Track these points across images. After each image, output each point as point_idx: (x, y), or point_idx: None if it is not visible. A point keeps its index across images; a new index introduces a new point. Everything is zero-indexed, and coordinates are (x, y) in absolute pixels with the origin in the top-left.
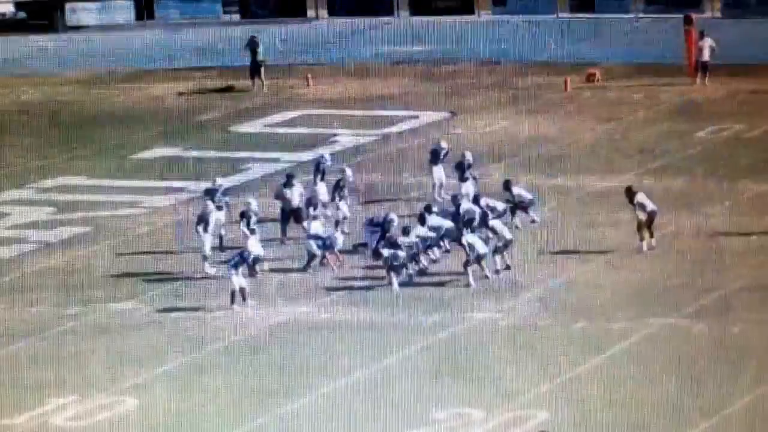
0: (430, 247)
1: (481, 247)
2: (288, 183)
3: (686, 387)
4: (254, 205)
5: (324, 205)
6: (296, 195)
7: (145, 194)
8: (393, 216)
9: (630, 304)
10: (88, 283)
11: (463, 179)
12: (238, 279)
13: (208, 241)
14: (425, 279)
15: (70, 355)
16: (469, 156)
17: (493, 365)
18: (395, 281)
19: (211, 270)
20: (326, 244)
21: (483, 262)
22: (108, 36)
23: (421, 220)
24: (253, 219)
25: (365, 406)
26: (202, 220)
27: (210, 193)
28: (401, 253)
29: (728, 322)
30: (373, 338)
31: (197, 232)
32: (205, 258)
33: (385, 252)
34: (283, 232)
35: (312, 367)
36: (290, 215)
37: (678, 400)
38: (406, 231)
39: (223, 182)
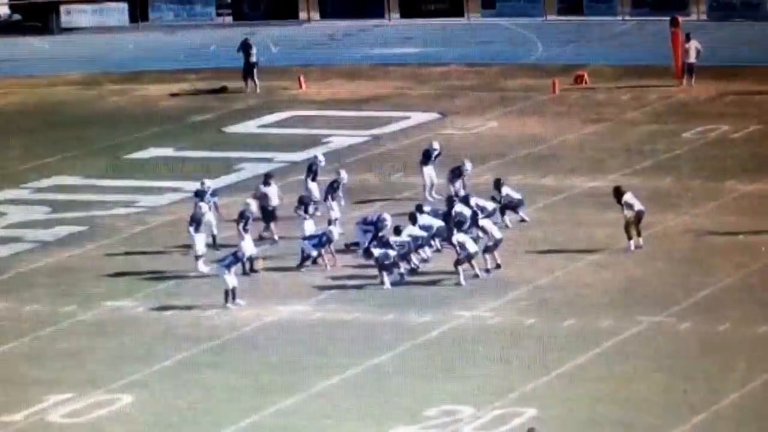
0: (421, 246)
1: (472, 247)
2: (266, 182)
3: (675, 384)
4: (253, 206)
5: (316, 206)
6: (274, 194)
7: (139, 194)
8: (386, 216)
9: (618, 302)
10: (83, 281)
11: (452, 182)
12: (231, 278)
13: (201, 240)
14: (416, 278)
15: (67, 353)
16: (468, 165)
17: (482, 363)
18: (387, 280)
19: (204, 269)
20: (322, 241)
21: (473, 261)
22: (102, 38)
23: (412, 220)
24: (250, 220)
25: (357, 403)
26: (194, 220)
27: (199, 195)
28: (392, 253)
29: (715, 320)
30: (365, 336)
31: (189, 232)
32: (197, 257)
33: (377, 251)
34: (272, 231)
35: (305, 365)
36: (271, 213)
37: (666, 397)
38: (397, 230)
39: (210, 183)
